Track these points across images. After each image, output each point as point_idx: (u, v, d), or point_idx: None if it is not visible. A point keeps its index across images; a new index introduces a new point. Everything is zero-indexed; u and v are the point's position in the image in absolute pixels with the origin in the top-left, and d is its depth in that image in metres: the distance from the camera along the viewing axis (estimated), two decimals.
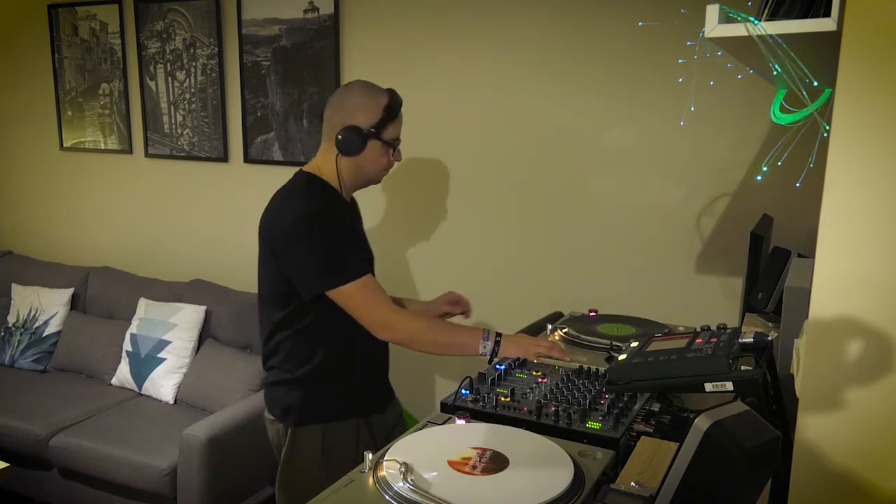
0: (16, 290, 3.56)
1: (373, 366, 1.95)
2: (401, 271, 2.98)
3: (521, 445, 1.16)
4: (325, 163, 1.86)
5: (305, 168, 1.90)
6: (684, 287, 2.50)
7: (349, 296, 1.76)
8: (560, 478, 1.04)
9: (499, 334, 1.74)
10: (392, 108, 1.84)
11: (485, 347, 1.72)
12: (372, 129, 1.82)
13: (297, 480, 1.87)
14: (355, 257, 1.81)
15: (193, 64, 3.29)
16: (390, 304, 1.80)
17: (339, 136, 1.81)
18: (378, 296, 1.78)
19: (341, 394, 1.88)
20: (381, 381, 2.01)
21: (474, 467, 1.08)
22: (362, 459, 1.11)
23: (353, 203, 2.02)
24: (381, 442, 1.87)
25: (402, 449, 1.14)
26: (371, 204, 3.06)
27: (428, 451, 1.12)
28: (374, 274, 1.87)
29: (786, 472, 1.07)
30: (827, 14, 0.97)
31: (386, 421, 1.99)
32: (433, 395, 2.99)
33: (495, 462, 1.09)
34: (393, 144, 1.87)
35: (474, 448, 1.13)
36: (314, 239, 1.75)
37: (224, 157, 3.29)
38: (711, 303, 2.46)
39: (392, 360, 2.04)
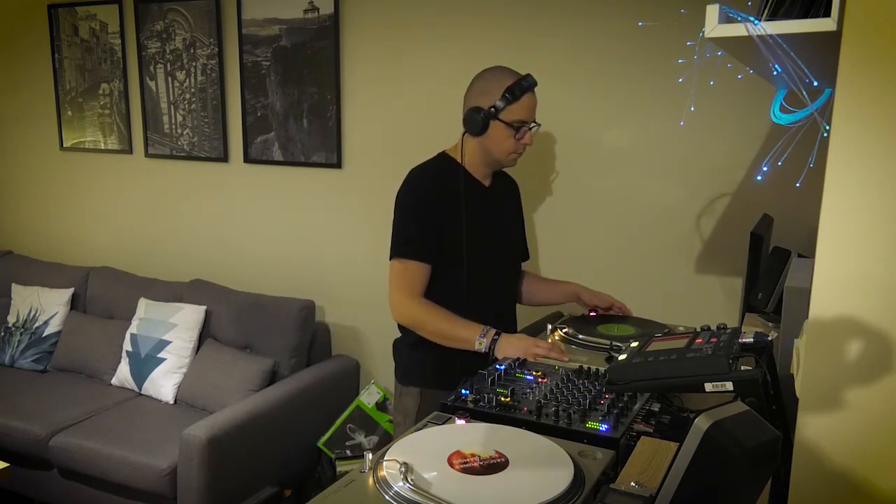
0: (16, 290, 3.56)
1: None
2: None
3: (521, 445, 1.16)
4: (458, 144, 1.95)
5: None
6: (684, 287, 2.50)
7: (390, 270, 1.89)
8: (560, 478, 1.04)
9: (498, 332, 1.75)
10: (514, 89, 1.86)
11: (480, 344, 1.75)
12: (492, 110, 1.86)
13: None
14: (422, 236, 1.87)
15: (193, 64, 3.29)
16: (414, 291, 1.87)
17: (464, 116, 1.90)
18: (405, 279, 1.87)
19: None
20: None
21: (474, 467, 1.08)
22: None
23: (497, 186, 2.04)
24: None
25: (402, 449, 1.14)
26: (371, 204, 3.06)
27: (428, 451, 1.12)
28: (468, 263, 1.89)
29: (786, 472, 1.07)
30: (827, 14, 0.97)
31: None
32: None
33: (495, 462, 1.09)
34: (516, 126, 1.87)
35: (474, 448, 1.13)
36: (403, 206, 1.91)
37: (224, 157, 3.29)
38: (711, 303, 2.46)
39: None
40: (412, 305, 1.87)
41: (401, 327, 2.00)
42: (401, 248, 1.88)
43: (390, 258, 1.90)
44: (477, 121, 1.87)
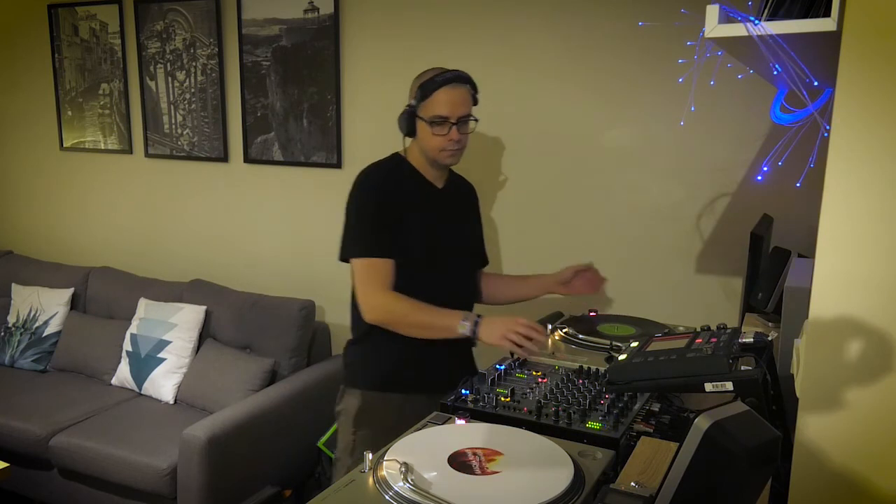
0: (16, 290, 3.56)
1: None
2: None
3: (522, 445, 1.16)
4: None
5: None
6: (684, 287, 2.50)
7: (353, 270, 1.86)
8: (560, 478, 1.04)
9: (479, 315, 1.75)
10: (426, 85, 1.86)
11: (463, 328, 1.74)
12: (410, 108, 1.88)
13: None
14: (380, 237, 1.83)
15: (193, 64, 3.29)
16: (385, 286, 1.82)
17: (399, 119, 1.91)
18: (373, 276, 1.81)
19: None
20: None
21: (474, 467, 1.08)
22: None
23: (451, 188, 2.02)
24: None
25: (402, 449, 1.14)
26: None
27: (428, 451, 1.12)
28: (418, 265, 1.87)
29: (786, 472, 1.07)
30: (827, 14, 0.97)
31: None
32: None
33: (495, 462, 1.09)
34: (436, 122, 1.85)
35: (475, 448, 1.13)
36: (359, 205, 1.88)
37: (224, 157, 3.29)
38: (711, 303, 2.46)
39: None
40: (387, 300, 1.81)
41: (354, 329, 1.99)
42: (361, 246, 1.84)
43: (348, 259, 1.86)
44: (403, 121, 1.90)
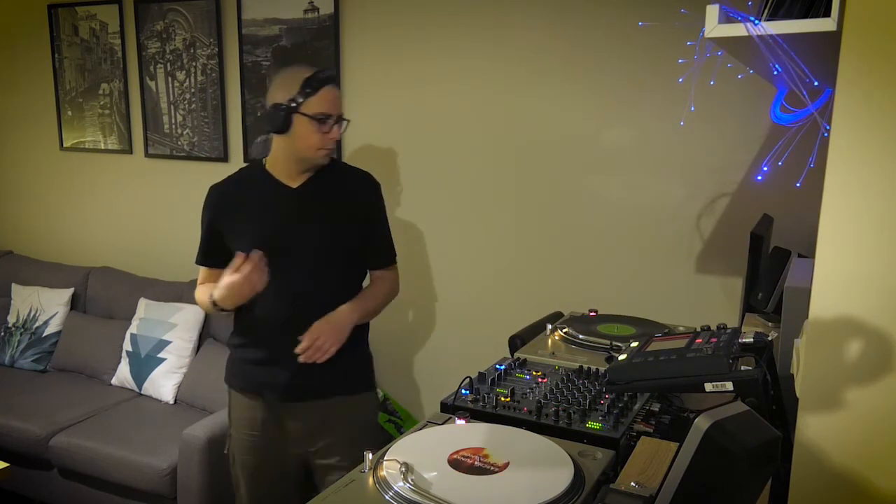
0: (16, 290, 3.56)
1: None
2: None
3: (521, 445, 1.16)
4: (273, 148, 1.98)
5: None
6: (684, 287, 2.50)
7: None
8: (560, 478, 1.04)
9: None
10: (312, 81, 1.83)
11: (214, 296, 1.88)
12: (293, 104, 1.83)
13: None
14: (205, 249, 2.03)
15: (193, 64, 3.29)
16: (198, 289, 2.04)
17: (265, 115, 1.95)
18: (199, 280, 2.07)
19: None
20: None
21: (474, 467, 1.08)
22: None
23: (315, 185, 1.95)
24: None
25: (402, 449, 1.14)
26: None
27: (428, 451, 1.12)
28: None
29: (786, 472, 1.07)
30: (827, 14, 0.97)
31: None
32: (434, 394, 2.99)
33: (495, 462, 1.09)
34: (319, 119, 1.84)
35: (474, 448, 1.13)
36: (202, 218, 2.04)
37: (224, 157, 3.29)
38: (711, 303, 2.46)
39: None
40: (196, 293, 2.05)
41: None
42: (198, 255, 2.06)
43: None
44: (279, 117, 1.84)
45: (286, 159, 1.93)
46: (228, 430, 2.09)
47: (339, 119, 1.91)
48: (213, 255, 2.00)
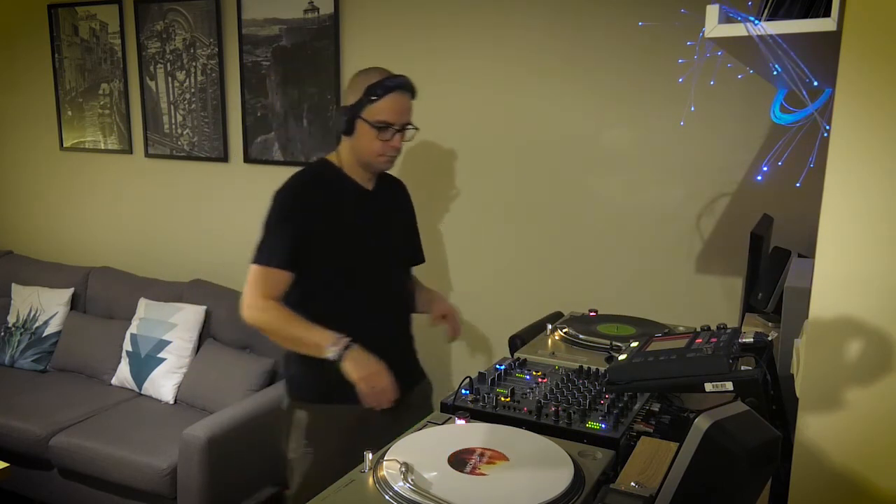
0: (16, 290, 3.56)
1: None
2: None
3: (521, 445, 1.16)
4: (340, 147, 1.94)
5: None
6: (684, 287, 2.50)
7: (249, 273, 1.85)
8: (560, 478, 1.04)
9: (352, 343, 1.73)
10: (377, 88, 1.81)
11: (331, 351, 1.73)
12: (355, 108, 1.82)
13: None
14: (281, 245, 1.81)
15: (193, 64, 3.29)
16: (269, 294, 1.81)
17: (336, 114, 1.86)
18: (258, 284, 1.81)
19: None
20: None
21: (474, 467, 1.08)
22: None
23: (382, 189, 1.99)
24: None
25: (402, 449, 1.14)
26: None
27: (428, 451, 1.12)
28: (322, 273, 1.85)
29: (786, 472, 1.07)
30: (827, 14, 0.97)
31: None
32: (434, 394, 2.99)
33: (495, 462, 1.09)
34: (379, 127, 1.82)
35: (475, 448, 1.13)
36: (269, 215, 1.85)
37: (224, 157, 3.29)
38: (711, 303, 2.46)
39: None
40: (267, 305, 1.80)
41: None
42: (264, 255, 1.83)
43: (252, 262, 1.85)
44: (342, 120, 1.84)
45: (351, 161, 1.92)
46: (305, 448, 1.89)
47: (404, 127, 1.87)
48: (301, 258, 1.83)
